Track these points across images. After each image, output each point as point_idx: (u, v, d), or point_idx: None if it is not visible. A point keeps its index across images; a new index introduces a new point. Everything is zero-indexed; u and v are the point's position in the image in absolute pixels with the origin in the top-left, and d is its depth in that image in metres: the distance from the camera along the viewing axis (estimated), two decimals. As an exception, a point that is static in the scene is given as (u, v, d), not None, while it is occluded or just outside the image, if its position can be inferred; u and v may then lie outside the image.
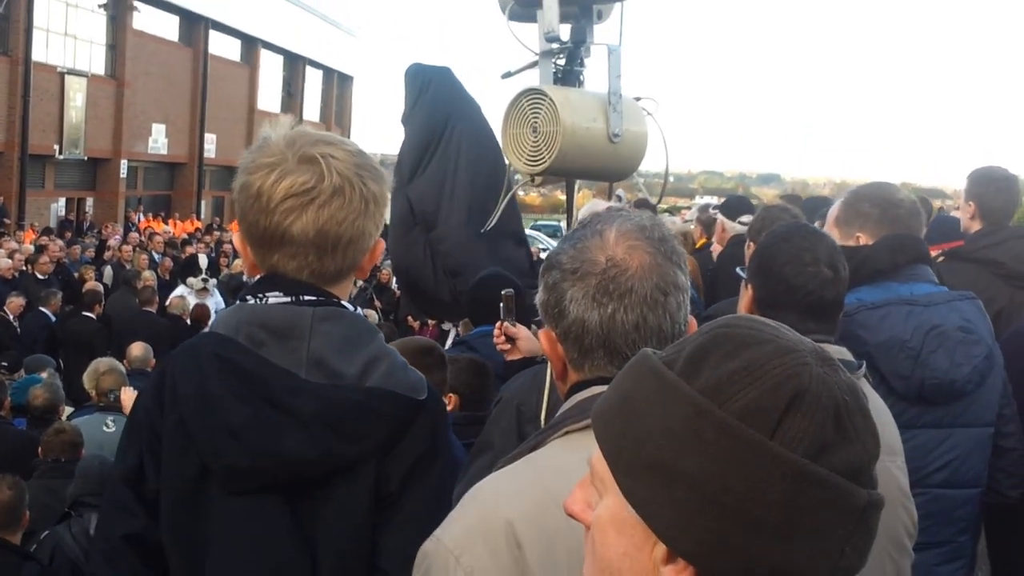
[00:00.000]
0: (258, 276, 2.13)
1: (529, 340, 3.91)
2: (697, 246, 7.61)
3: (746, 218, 6.85)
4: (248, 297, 2.09)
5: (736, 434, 1.05)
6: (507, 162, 3.14)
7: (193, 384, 1.99)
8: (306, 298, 2.06)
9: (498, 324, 4.07)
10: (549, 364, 1.94)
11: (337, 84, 53.52)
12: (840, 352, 2.64)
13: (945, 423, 3.33)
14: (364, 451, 1.99)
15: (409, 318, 14.50)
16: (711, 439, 1.06)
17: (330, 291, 2.10)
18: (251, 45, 42.59)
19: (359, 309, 2.26)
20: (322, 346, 2.03)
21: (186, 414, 1.98)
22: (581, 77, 3.17)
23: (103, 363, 7.82)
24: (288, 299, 2.05)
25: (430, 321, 12.24)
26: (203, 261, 17.17)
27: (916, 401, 3.29)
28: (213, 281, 16.62)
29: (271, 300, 2.06)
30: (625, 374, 1.19)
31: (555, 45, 3.08)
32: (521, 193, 3.80)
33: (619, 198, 6.78)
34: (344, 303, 2.12)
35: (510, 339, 4.04)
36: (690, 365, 1.12)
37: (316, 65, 49.95)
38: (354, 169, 2.05)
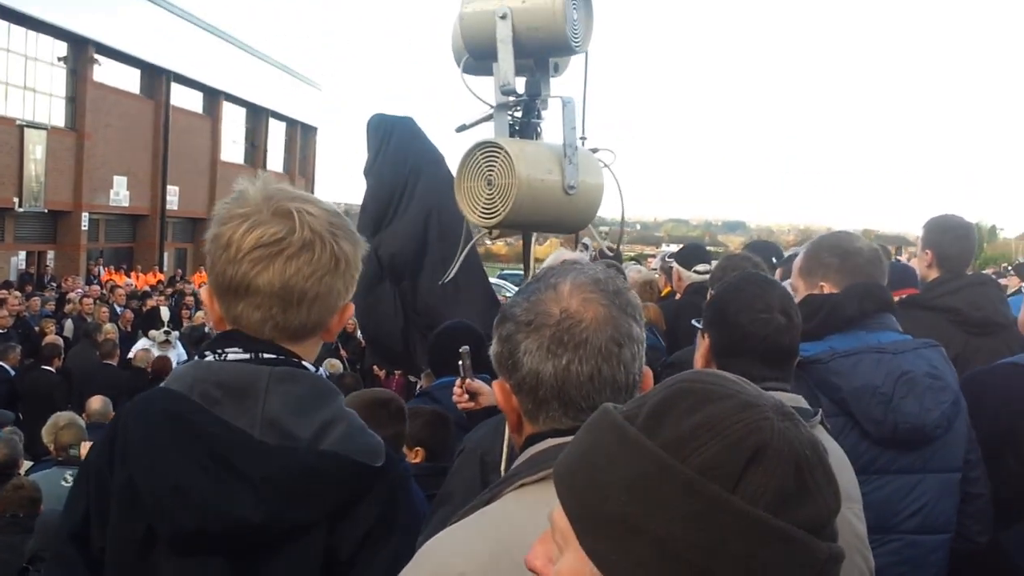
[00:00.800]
0: (219, 331, 2.10)
1: (491, 395, 3.90)
2: (662, 294, 7.62)
3: (702, 267, 6.89)
4: (207, 353, 2.05)
5: (697, 489, 1.05)
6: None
7: (142, 441, 1.94)
8: (266, 356, 2.02)
9: (458, 382, 4.06)
10: None
11: (300, 135, 53.64)
12: (795, 400, 2.67)
13: (916, 468, 3.34)
14: (314, 516, 1.94)
15: (375, 368, 14.46)
16: (672, 494, 1.05)
17: (292, 349, 2.06)
18: (213, 97, 42.57)
19: (321, 369, 2.23)
20: (277, 407, 1.98)
21: (135, 472, 1.92)
22: (538, 129, 3.17)
23: (62, 417, 7.78)
24: (247, 356, 2.01)
25: (396, 371, 12.20)
26: (165, 313, 17.12)
27: (890, 445, 3.30)
28: (175, 333, 16.55)
29: (230, 356, 2.02)
30: (586, 429, 1.19)
31: (511, 98, 3.08)
32: (488, 242, 3.80)
33: (585, 247, 6.78)
34: (305, 363, 2.07)
35: (473, 395, 4.03)
36: (651, 420, 1.12)
37: (279, 117, 50.05)
38: (327, 226, 2.03)
